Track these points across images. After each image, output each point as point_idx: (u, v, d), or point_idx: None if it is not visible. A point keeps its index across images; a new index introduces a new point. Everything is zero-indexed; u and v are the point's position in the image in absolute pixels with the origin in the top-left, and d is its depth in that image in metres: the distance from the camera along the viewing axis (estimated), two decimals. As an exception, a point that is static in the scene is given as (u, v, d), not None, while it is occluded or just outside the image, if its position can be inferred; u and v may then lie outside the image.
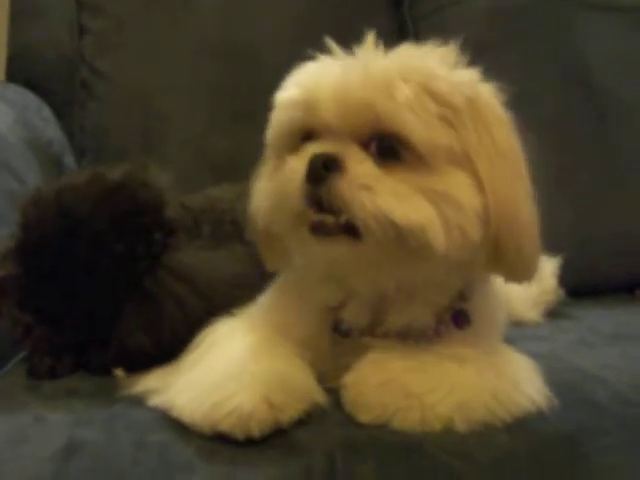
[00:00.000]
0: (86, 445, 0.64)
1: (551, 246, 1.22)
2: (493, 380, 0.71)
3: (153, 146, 1.31)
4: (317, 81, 0.69)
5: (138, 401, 0.72)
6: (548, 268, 1.16)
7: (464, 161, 0.68)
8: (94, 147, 1.32)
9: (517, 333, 0.99)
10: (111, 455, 0.63)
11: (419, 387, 0.68)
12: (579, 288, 1.21)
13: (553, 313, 1.15)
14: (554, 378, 0.81)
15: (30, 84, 1.34)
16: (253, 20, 1.37)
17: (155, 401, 0.71)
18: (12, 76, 1.35)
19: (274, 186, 0.69)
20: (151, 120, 1.33)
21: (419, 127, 0.65)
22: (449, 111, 0.67)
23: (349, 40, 1.36)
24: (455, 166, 0.67)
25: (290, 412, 0.66)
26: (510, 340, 0.93)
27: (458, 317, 0.74)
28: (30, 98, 1.31)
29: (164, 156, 1.27)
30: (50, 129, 1.28)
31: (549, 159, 1.31)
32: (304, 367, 0.72)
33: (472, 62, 1.25)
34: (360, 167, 0.65)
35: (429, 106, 0.66)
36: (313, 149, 0.67)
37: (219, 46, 1.36)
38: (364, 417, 0.68)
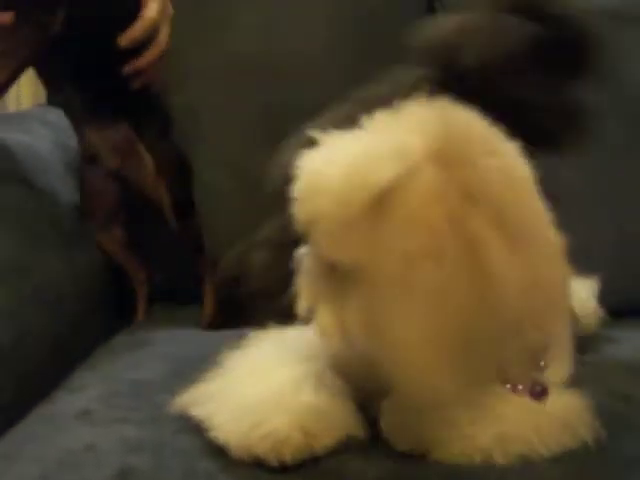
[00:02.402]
0: (137, 472, 0.65)
1: (591, 265, 1.22)
2: (536, 415, 0.70)
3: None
4: None
5: (188, 428, 0.72)
6: (586, 290, 1.15)
7: None
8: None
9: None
10: (163, 482, 0.64)
11: (460, 417, 0.68)
12: (620, 308, 1.19)
13: (594, 336, 1.13)
14: (598, 404, 0.80)
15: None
16: (288, 37, 1.36)
17: (196, 411, 0.71)
18: (52, 99, 1.37)
19: None
20: (184, 138, 1.33)
21: None
22: None
23: (383, 55, 1.37)
24: None
25: (324, 440, 0.66)
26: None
27: (535, 389, 0.72)
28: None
29: (197, 176, 1.27)
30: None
31: (588, 177, 1.31)
32: (345, 402, 0.71)
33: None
34: None
35: None
36: None
37: (253, 63, 1.35)
38: (401, 446, 0.68)
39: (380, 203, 0.60)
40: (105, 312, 1.14)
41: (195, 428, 0.72)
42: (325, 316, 0.66)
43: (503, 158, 0.67)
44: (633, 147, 1.35)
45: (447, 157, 0.62)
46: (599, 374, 0.94)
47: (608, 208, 1.31)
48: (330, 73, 1.28)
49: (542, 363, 0.74)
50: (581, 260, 1.17)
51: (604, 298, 1.13)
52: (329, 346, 0.70)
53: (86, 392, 0.84)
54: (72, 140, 1.25)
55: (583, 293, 1.13)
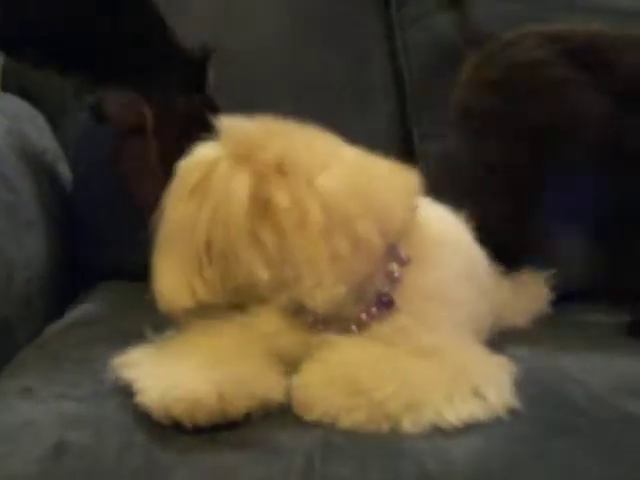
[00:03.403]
0: (74, 446, 0.66)
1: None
2: (450, 381, 0.73)
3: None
4: None
5: (128, 404, 0.73)
6: (538, 276, 1.18)
7: None
8: (86, 157, 1.33)
9: (503, 337, 1.01)
10: (98, 455, 0.65)
11: (368, 384, 0.71)
12: (572, 293, 1.21)
13: (543, 318, 1.16)
14: (534, 379, 0.83)
15: (24, 93, 1.35)
16: (241, 29, 1.37)
17: (126, 374, 0.75)
18: (7, 86, 1.37)
19: None
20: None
21: None
22: None
23: (338, 44, 1.38)
24: None
25: (240, 406, 0.69)
26: (496, 343, 0.95)
27: (379, 301, 0.77)
28: (24, 107, 1.32)
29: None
30: (44, 138, 1.29)
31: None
32: (269, 368, 0.75)
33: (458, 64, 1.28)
34: None
35: None
36: None
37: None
38: (309, 416, 0.70)
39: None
40: (57, 295, 1.16)
41: (135, 404, 0.73)
42: None
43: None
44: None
45: (234, 145, 0.78)
46: (540, 351, 0.98)
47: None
48: (283, 62, 1.29)
49: (396, 274, 0.78)
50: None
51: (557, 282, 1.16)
52: None
53: (30, 370, 0.85)
54: (29, 127, 1.27)
55: (534, 280, 1.17)
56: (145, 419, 0.70)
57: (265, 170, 0.74)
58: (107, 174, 1.29)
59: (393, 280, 0.78)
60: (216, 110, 1.12)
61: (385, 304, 0.78)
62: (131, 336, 0.84)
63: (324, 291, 0.73)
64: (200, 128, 1.09)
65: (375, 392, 0.69)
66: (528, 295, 1.15)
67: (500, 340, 0.99)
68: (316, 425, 0.70)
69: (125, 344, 0.84)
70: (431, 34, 1.41)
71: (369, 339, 0.77)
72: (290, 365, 0.76)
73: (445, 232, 0.85)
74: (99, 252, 1.28)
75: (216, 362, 0.73)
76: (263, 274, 0.74)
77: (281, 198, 0.73)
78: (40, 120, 1.33)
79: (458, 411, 0.71)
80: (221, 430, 0.68)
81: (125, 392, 0.76)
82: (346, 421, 0.69)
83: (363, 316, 0.78)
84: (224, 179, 0.74)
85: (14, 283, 1.01)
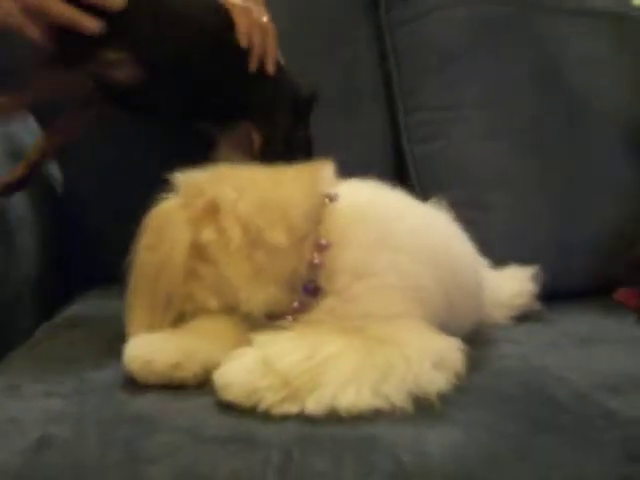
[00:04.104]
0: (56, 440, 0.67)
1: (529, 249, 1.26)
2: (360, 369, 0.75)
3: (128, 157, 1.32)
4: None
5: (111, 401, 0.75)
6: (522, 273, 1.19)
7: None
8: (76, 158, 1.33)
9: (490, 335, 1.02)
10: (80, 449, 0.66)
11: (278, 361, 0.74)
12: (558, 291, 1.23)
13: (528, 317, 1.17)
14: (518, 378, 0.85)
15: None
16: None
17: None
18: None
19: None
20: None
21: None
22: None
23: (328, 48, 1.39)
24: None
25: (184, 373, 0.78)
26: (482, 342, 0.96)
27: (306, 288, 0.85)
28: (16, 110, 1.32)
29: (142, 171, 1.27)
30: (35, 139, 1.29)
31: (526, 162, 1.35)
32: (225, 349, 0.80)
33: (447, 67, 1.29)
34: None
35: None
36: None
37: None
38: (227, 396, 0.73)
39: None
40: (47, 296, 1.16)
41: (117, 401, 0.75)
42: None
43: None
44: (569, 134, 1.40)
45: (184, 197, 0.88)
46: (525, 350, 0.99)
47: (542, 193, 1.35)
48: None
49: (315, 261, 0.85)
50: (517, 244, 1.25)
51: (543, 281, 1.18)
52: None
53: (18, 369, 0.86)
54: (19, 128, 1.27)
55: (517, 276, 1.17)
56: (127, 416, 0.72)
57: (200, 215, 0.86)
58: (97, 175, 1.31)
59: (315, 267, 0.85)
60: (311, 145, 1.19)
61: (311, 291, 0.85)
62: (116, 337, 0.86)
63: (256, 296, 0.84)
64: (300, 154, 1.14)
65: (279, 365, 0.73)
66: (512, 291, 1.16)
67: (484, 337, 1.00)
68: (294, 419, 0.71)
69: (110, 344, 0.87)
70: (420, 36, 1.43)
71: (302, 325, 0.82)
72: None
73: (364, 210, 0.90)
74: (89, 254, 1.28)
75: (185, 340, 0.82)
76: (213, 303, 0.86)
77: (208, 234, 0.85)
78: (30, 121, 1.33)
79: (354, 396, 0.72)
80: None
81: (107, 390, 0.78)
82: (262, 402, 0.72)
83: (295, 305, 0.85)
84: (172, 230, 0.86)
85: (4, 284, 1.01)
